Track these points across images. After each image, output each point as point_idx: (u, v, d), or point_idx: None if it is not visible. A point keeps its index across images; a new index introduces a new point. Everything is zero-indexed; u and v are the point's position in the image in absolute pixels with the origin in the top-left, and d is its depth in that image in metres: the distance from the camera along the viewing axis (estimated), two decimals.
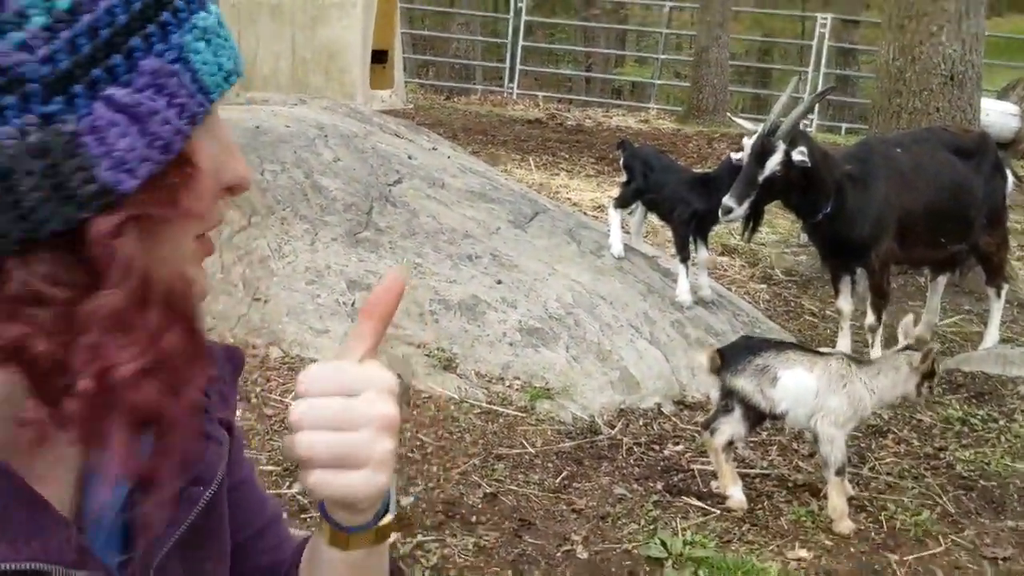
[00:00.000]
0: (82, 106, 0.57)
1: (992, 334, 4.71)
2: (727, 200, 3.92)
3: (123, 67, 0.59)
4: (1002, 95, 12.55)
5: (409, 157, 5.07)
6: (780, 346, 3.26)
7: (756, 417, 3.17)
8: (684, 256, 4.49)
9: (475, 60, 19.87)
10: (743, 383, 3.11)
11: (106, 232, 0.59)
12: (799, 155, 3.83)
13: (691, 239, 4.52)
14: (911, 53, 6.38)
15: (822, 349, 3.58)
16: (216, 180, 0.68)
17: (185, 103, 0.62)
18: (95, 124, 0.58)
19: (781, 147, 3.86)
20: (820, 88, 14.67)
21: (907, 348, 3.15)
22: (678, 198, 4.51)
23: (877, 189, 4.20)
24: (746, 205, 3.93)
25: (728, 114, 4.40)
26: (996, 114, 11.53)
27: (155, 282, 0.62)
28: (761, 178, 3.90)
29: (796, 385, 3.06)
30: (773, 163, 3.88)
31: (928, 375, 3.06)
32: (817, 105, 14.68)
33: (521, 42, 16.19)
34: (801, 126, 4.09)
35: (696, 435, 3.63)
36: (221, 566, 0.87)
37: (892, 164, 4.33)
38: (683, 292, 4.47)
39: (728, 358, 3.16)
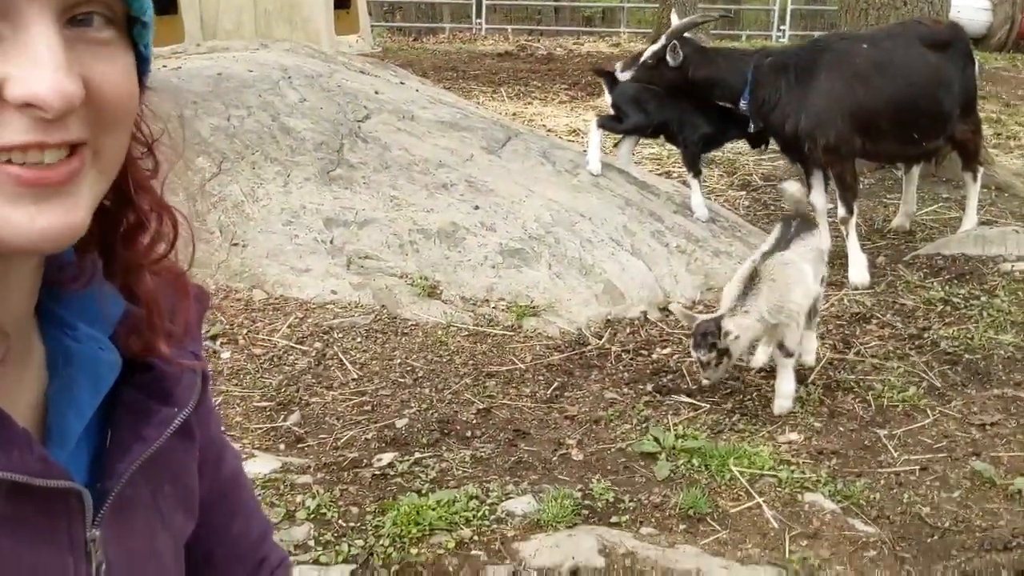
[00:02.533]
0: None
1: (971, 217, 4.74)
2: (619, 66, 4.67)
3: None
4: None
5: (376, 92, 5.02)
6: None
7: None
8: (696, 172, 4.73)
9: None
10: None
11: None
12: (670, 53, 4.41)
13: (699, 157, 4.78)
14: None
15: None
16: None
17: None
18: None
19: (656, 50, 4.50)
20: (788, 6, 14.50)
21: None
22: (686, 122, 4.65)
23: (818, 82, 4.25)
24: (628, 74, 4.59)
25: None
26: (967, 9, 11.44)
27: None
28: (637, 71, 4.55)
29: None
30: (648, 59, 4.51)
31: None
32: (788, 16, 14.52)
33: None
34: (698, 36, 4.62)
35: (682, 338, 3.67)
36: (186, 496, 0.86)
37: (844, 58, 4.32)
38: (699, 207, 4.68)
39: None
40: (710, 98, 4.55)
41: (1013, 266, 4.23)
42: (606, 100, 4.86)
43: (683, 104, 4.66)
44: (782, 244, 3.26)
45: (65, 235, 0.62)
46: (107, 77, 0.63)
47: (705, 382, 3.22)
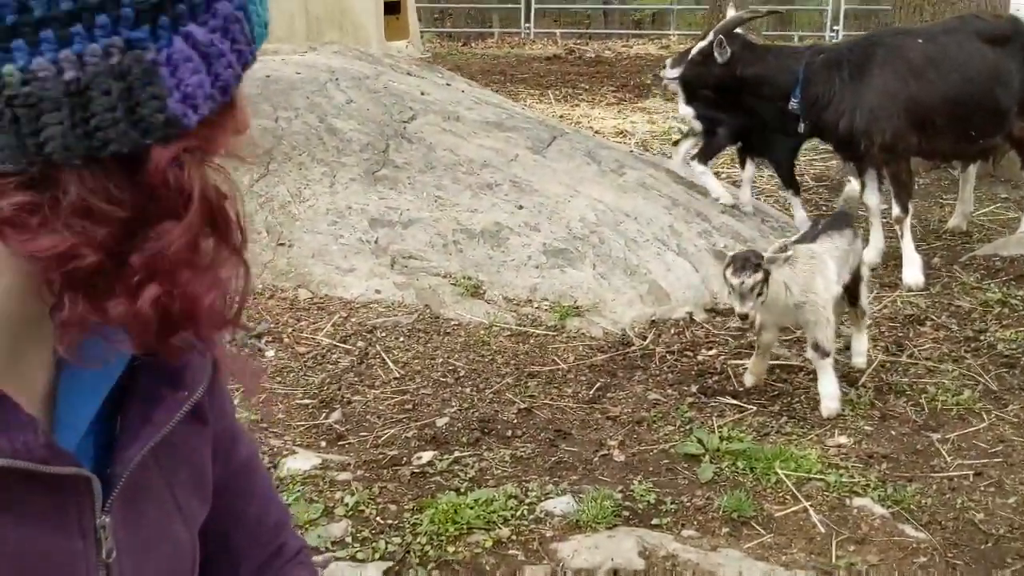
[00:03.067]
0: (164, 37, 0.59)
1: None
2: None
3: (202, 6, 0.61)
4: None
5: (422, 93, 5.04)
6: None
7: None
8: (796, 188, 4.80)
9: (491, 4, 19.59)
10: None
11: (167, 160, 0.61)
12: (717, 49, 4.35)
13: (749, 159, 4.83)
14: None
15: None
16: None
17: (242, 50, 0.64)
18: (172, 56, 0.60)
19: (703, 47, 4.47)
20: (842, 6, 14.26)
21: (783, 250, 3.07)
22: (771, 139, 4.66)
23: (872, 78, 4.14)
24: (675, 71, 4.72)
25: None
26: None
27: (216, 212, 0.65)
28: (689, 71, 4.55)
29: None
30: (695, 56, 4.49)
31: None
32: (842, 16, 14.28)
33: None
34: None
35: (729, 339, 3.60)
36: (200, 482, 0.86)
37: (898, 53, 4.21)
38: (802, 222, 4.63)
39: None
40: (759, 96, 4.47)
41: None
42: (681, 111, 4.80)
43: (760, 118, 4.59)
44: (809, 237, 3.20)
45: None
46: None
47: (742, 317, 2.96)
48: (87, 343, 0.74)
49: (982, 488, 2.65)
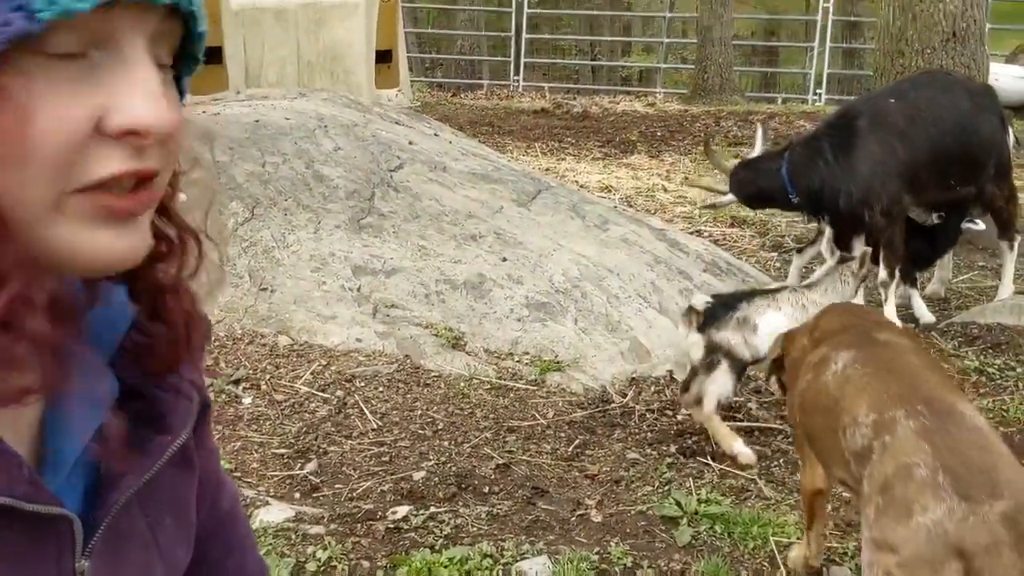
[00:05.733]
0: None
1: (1007, 286, 4.64)
2: None
3: None
4: (1010, 59, 12.40)
5: (410, 143, 5.07)
6: (745, 296, 3.38)
7: (740, 369, 3.23)
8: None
9: (481, 56, 19.87)
10: (730, 337, 3.15)
11: None
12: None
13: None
14: (911, 11, 6.29)
15: (769, 286, 3.87)
16: (74, 122, 0.60)
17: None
18: None
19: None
20: (827, 63, 14.56)
21: (841, 260, 3.45)
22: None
23: (857, 151, 4.22)
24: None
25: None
26: (1006, 78, 11.38)
27: None
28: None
29: (772, 327, 3.11)
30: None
31: (863, 279, 3.52)
32: (825, 80, 14.58)
33: (525, 35, 16.17)
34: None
35: None
36: (184, 528, 0.84)
37: (878, 119, 4.30)
38: (925, 315, 4.55)
39: (707, 317, 3.19)
40: (770, 207, 4.71)
41: None
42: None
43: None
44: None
45: (136, 257, 0.67)
46: (177, 113, 0.66)
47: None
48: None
49: None
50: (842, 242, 4.26)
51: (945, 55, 6.06)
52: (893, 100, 4.38)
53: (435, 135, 5.57)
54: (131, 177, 0.62)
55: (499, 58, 18.68)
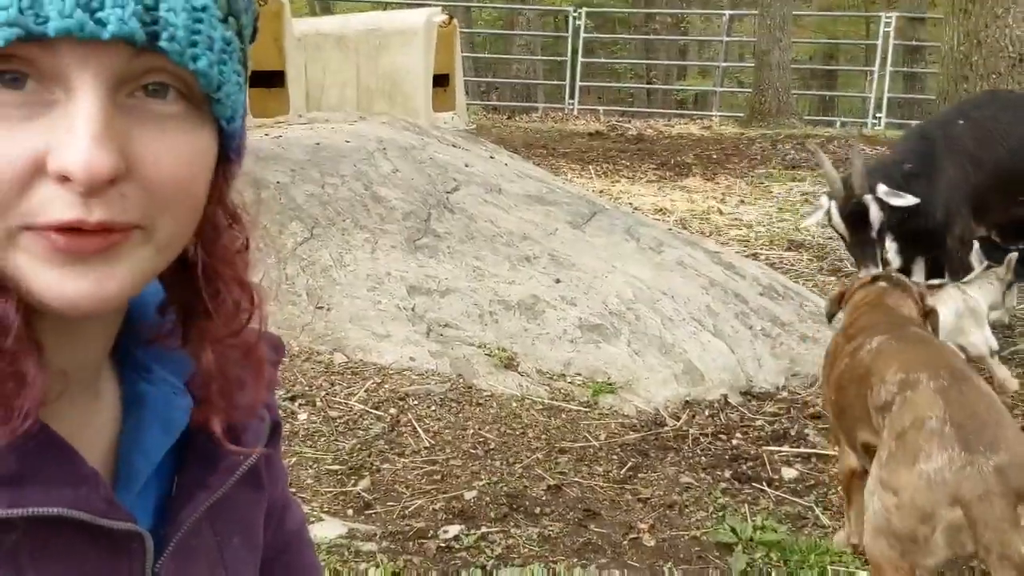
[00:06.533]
0: None
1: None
2: None
3: None
4: None
5: (466, 165, 5.12)
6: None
7: None
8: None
9: (537, 80, 20.00)
10: None
11: None
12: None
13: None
14: (976, 37, 6.19)
15: (931, 282, 4.18)
16: (12, 160, 0.58)
17: None
18: None
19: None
20: (887, 87, 14.34)
21: (988, 267, 4.04)
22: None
23: (941, 177, 4.15)
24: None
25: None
26: None
27: None
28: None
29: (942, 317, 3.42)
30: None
31: (1009, 284, 4.06)
32: (885, 104, 14.36)
33: (580, 59, 16.24)
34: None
35: (765, 424, 3.55)
36: (252, 550, 0.85)
37: (954, 144, 4.23)
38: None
39: None
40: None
41: None
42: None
43: None
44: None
45: (92, 303, 0.61)
46: (161, 156, 0.61)
47: None
48: (150, 393, 0.75)
49: None
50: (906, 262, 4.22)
51: (1011, 80, 5.94)
52: (961, 121, 4.31)
53: (491, 157, 5.62)
54: (73, 226, 0.58)
55: (554, 81, 18.76)
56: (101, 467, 0.69)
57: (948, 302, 3.78)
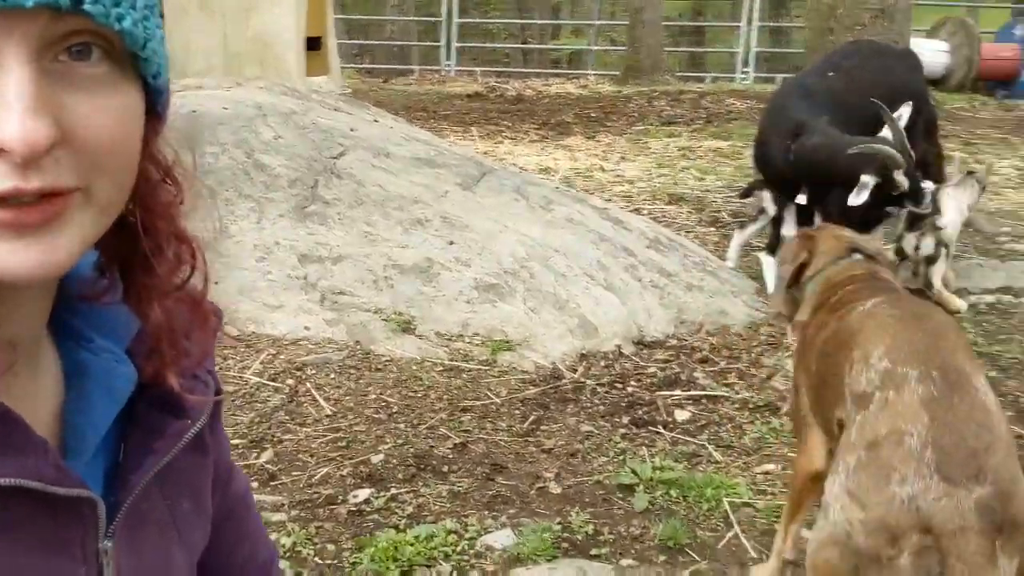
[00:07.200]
0: None
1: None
2: None
3: None
4: (931, 33, 12.79)
5: (352, 130, 5.04)
6: None
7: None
8: None
9: (411, 41, 19.73)
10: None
11: None
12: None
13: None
14: None
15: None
16: None
17: None
18: None
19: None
20: (754, 41, 14.84)
21: (970, 173, 4.62)
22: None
23: (831, 125, 4.32)
24: None
25: None
26: (927, 52, 11.76)
27: None
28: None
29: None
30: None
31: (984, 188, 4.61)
32: (752, 58, 14.86)
33: (456, 19, 16.11)
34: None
35: (659, 370, 3.69)
36: (201, 514, 0.86)
37: (833, 95, 4.43)
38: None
39: None
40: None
41: (979, 299, 4.31)
42: None
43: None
44: None
45: (41, 273, 0.61)
46: (92, 119, 0.61)
47: None
48: (92, 363, 0.74)
49: None
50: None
51: (874, 31, 6.26)
52: (832, 73, 4.53)
53: (375, 121, 5.55)
54: (12, 196, 0.58)
55: (429, 43, 18.55)
56: (48, 437, 0.69)
57: (950, 202, 4.35)
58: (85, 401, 0.72)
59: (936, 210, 4.30)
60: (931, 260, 4.34)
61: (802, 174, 4.16)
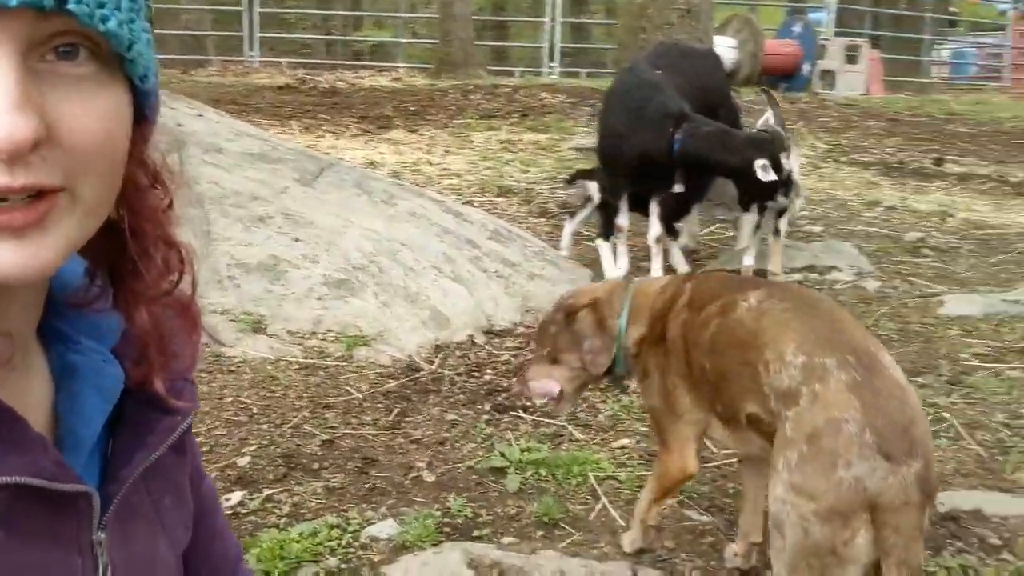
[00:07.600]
0: None
1: (744, 237, 5.28)
2: None
3: None
4: (720, 30, 13.74)
5: (178, 125, 4.84)
6: None
7: None
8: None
9: (207, 31, 18.86)
10: None
11: None
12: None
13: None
14: None
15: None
16: None
17: None
18: None
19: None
20: (558, 37, 15.37)
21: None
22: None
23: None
24: None
25: None
26: (719, 48, 12.64)
27: None
28: None
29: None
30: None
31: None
32: (558, 53, 15.37)
33: (257, 8, 15.59)
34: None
35: (512, 358, 3.83)
36: (183, 510, 0.89)
37: (676, 90, 4.72)
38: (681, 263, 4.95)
39: None
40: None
41: (787, 277, 4.77)
42: None
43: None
44: None
45: (27, 274, 0.62)
46: (78, 118, 0.62)
47: None
48: (81, 364, 0.75)
49: None
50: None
51: (681, 29, 6.71)
52: (659, 71, 4.83)
53: (199, 116, 5.35)
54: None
55: (226, 32, 17.83)
56: (45, 434, 0.71)
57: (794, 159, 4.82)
58: (76, 400, 0.74)
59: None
60: (782, 212, 4.83)
61: (690, 161, 4.43)
